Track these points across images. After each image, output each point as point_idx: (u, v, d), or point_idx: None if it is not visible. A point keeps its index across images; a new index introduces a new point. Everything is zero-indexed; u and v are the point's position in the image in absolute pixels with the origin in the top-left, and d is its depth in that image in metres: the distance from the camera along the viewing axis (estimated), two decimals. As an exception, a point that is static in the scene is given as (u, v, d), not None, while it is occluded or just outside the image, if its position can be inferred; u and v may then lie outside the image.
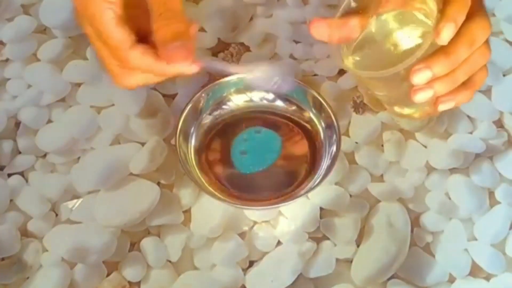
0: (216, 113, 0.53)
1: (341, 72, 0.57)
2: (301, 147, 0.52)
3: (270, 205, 0.49)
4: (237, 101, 0.54)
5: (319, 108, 0.52)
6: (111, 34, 0.40)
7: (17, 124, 0.55)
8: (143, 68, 0.41)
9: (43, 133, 0.54)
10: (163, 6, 0.39)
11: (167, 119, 0.54)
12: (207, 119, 0.53)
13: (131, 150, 0.52)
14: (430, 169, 0.53)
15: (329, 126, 0.51)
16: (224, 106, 0.53)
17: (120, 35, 0.40)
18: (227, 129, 0.53)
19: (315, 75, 0.57)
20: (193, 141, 0.52)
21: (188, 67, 0.40)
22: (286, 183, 0.50)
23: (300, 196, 0.48)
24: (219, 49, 0.59)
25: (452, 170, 0.53)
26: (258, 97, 0.54)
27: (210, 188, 0.49)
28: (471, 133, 0.55)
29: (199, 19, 0.60)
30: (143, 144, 0.52)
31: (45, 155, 0.53)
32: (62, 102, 0.56)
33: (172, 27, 0.39)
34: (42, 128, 0.54)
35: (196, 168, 0.51)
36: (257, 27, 0.60)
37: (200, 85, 0.56)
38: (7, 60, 0.58)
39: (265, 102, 0.54)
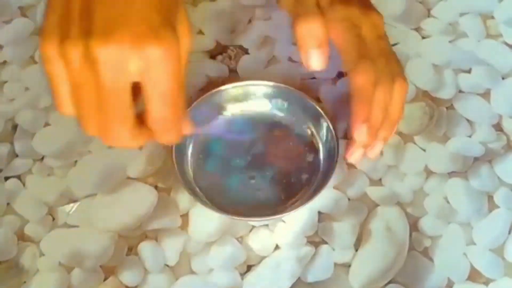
0: (212, 122, 0.53)
1: (340, 74, 0.57)
2: (299, 155, 0.52)
3: (267, 216, 0.49)
4: (232, 110, 0.54)
5: (316, 116, 0.51)
6: None
7: (14, 127, 0.55)
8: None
9: (40, 136, 0.54)
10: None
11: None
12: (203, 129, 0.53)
13: (128, 153, 0.52)
14: (428, 173, 0.53)
15: (327, 134, 0.51)
16: (220, 116, 0.53)
17: None
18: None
19: (313, 78, 0.57)
20: (189, 152, 0.52)
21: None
22: (285, 192, 0.50)
23: (299, 207, 0.47)
24: (217, 52, 0.59)
25: (451, 174, 0.53)
26: (254, 106, 0.54)
27: (206, 199, 0.49)
28: (470, 136, 0.54)
29: (197, 22, 0.60)
30: (141, 147, 0.52)
31: (42, 159, 0.53)
32: (60, 105, 0.56)
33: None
34: (39, 131, 0.54)
35: (192, 177, 0.50)
36: (255, 29, 0.60)
37: (198, 89, 0.56)
38: (4, 62, 0.58)
39: (262, 111, 0.54)
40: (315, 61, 0.47)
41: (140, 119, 0.39)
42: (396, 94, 0.48)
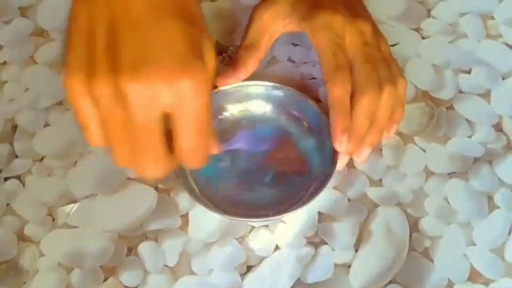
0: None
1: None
2: (298, 155, 0.52)
3: (267, 217, 0.49)
4: (232, 110, 0.53)
5: (316, 116, 0.51)
6: None
7: (14, 127, 0.55)
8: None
9: (40, 136, 0.54)
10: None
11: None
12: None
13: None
14: (428, 174, 0.53)
15: (326, 135, 0.50)
16: (219, 116, 0.53)
17: None
18: (221, 138, 0.52)
19: (313, 78, 0.57)
20: None
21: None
22: (285, 193, 0.50)
23: (300, 208, 0.47)
24: (217, 52, 0.59)
25: (451, 175, 0.53)
26: (254, 107, 0.54)
27: (205, 200, 0.49)
28: (470, 137, 0.54)
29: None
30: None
31: (42, 159, 0.53)
32: (60, 106, 0.56)
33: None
34: (39, 132, 0.54)
35: (192, 178, 0.50)
36: (255, 30, 0.60)
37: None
38: (4, 63, 0.58)
39: (261, 111, 0.54)
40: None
41: (167, 143, 0.38)
42: (385, 99, 0.48)
